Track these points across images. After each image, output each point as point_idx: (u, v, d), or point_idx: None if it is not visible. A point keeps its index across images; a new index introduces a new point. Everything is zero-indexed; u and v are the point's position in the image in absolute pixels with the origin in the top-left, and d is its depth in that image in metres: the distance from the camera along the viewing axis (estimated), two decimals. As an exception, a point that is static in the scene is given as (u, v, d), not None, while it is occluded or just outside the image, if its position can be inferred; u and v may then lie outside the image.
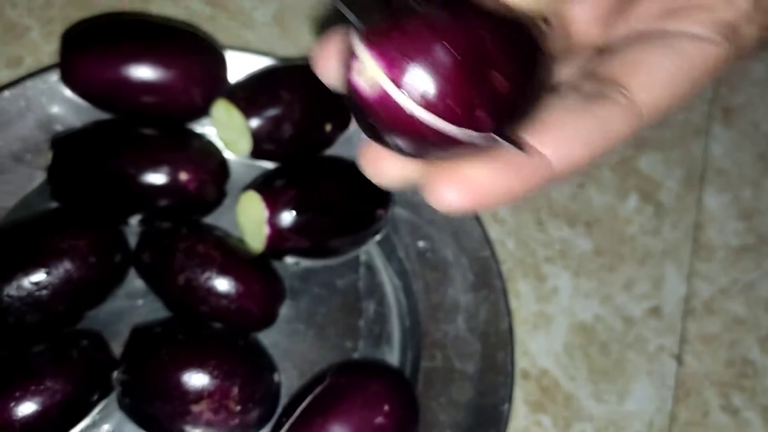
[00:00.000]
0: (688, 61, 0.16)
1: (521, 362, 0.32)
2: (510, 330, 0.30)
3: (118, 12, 0.35)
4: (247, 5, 0.37)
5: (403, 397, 0.27)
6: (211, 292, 0.27)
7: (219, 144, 0.30)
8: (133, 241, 0.29)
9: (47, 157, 0.28)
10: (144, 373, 0.26)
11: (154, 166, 0.27)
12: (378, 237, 0.31)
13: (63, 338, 0.27)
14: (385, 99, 0.13)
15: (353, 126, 0.32)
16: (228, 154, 0.30)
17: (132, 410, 0.26)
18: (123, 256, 0.28)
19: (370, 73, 0.13)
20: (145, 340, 0.27)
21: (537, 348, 0.33)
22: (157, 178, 0.27)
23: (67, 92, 0.29)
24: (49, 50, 0.34)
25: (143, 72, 0.28)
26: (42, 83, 0.30)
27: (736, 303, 0.36)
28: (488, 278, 0.31)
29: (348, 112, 0.32)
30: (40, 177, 0.30)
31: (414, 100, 0.13)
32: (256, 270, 0.28)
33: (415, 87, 0.13)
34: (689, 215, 0.37)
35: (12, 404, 0.25)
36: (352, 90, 0.13)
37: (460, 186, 0.14)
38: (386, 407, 0.26)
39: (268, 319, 0.29)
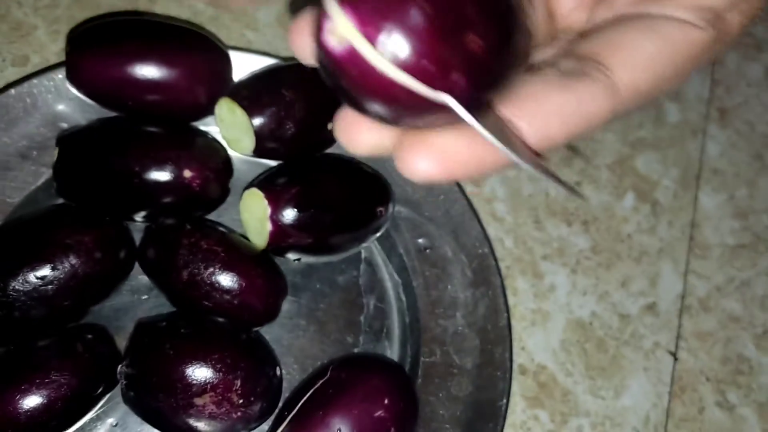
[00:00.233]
0: (671, 44, 0.16)
1: (519, 358, 0.33)
2: (508, 326, 0.30)
3: (122, 11, 0.35)
4: (250, 6, 0.37)
5: (402, 392, 0.27)
6: (215, 287, 0.27)
7: (222, 142, 0.30)
8: (137, 237, 0.29)
9: (53, 154, 0.28)
10: (148, 367, 0.26)
11: (158, 163, 0.27)
12: (378, 234, 0.31)
13: (68, 332, 0.27)
14: (358, 58, 0.12)
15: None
16: (231, 152, 0.30)
17: (136, 403, 0.27)
18: (128, 252, 0.29)
19: (342, 31, 0.12)
20: (149, 335, 0.27)
21: (534, 344, 0.33)
22: (161, 175, 0.27)
23: (73, 90, 0.29)
24: (55, 49, 0.34)
25: (148, 71, 0.28)
26: (48, 81, 0.30)
27: (731, 300, 0.36)
28: (487, 275, 0.31)
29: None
30: (46, 174, 0.30)
31: (388, 59, 0.12)
32: (259, 266, 0.28)
33: (390, 45, 0.12)
34: (685, 214, 0.38)
35: (18, 397, 0.25)
36: (323, 50, 0.13)
37: (432, 155, 0.14)
38: (386, 401, 0.26)
39: (270, 314, 0.29)
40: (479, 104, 0.13)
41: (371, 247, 0.32)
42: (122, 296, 0.30)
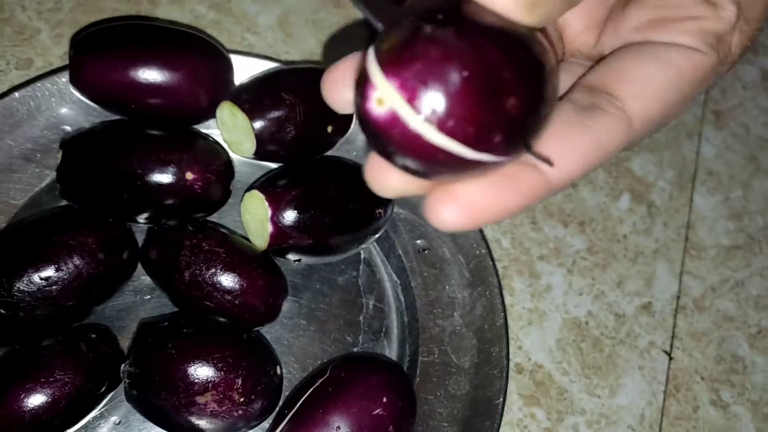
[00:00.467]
0: (677, 71, 0.16)
1: (516, 357, 0.33)
2: (505, 326, 0.30)
3: (125, 16, 0.36)
4: (251, 10, 0.38)
5: (401, 390, 0.27)
6: (216, 287, 0.28)
7: (224, 145, 0.31)
8: (140, 238, 0.30)
9: (57, 156, 0.29)
10: (151, 366, 0.26)
11: (160, 166, 0.28)
12: (377, 235, 0.31)
13: (72, 332, 0.27)
14: (400, 123, 0.13)
15: (354, 127, 0.32)
16: (233, 155, 0.30)
17: (139, 402, 0.27)
18: (131, 253, 0.29)
19: (384, 96, 0.13)
20: (151, 334, 0.27)
21: (531, 343, 0.34)
22: (163, 177, 0.28)
23: (76, 94, 0.30)
24: (58, 52, 0.35)
25: (150, 75, 0.28)
26: (51, 85, 0.31)
27: (725, 301, 0.36)
28: (484, 275, 0.31)
29: (348, 115, 0.33)
30: (49, 176, 0.30)
31: (430, 124, 0.13)
32: (260, 267, 0.29)
33: (432, 110, 0.13)
34: (681, 215, 0.38)
35: (23, 396, 0.25)
36: (365, 113, 0.13)
37: (457, 204, 0.15)
38: (385, 399, 0.26)
39: (270, 314, 0.29)
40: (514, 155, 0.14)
41: (370, 248, 0.33)
42: (125, 296, 0.30)
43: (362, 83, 0.13)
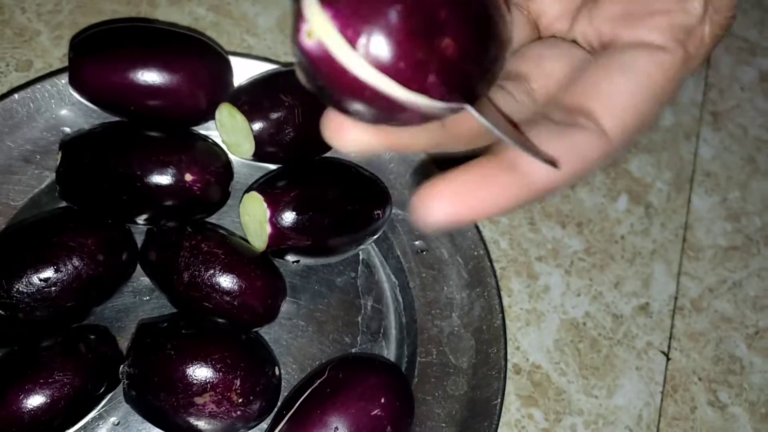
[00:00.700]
0: (646, 77, 0.17)
1: (513, 358, 0.33)
2: (503, 326, 0.30)
3: (125, 18, 0.36)
4: (250, 11, 0.38)
5: (399, 391, 0.27)
6: (215, 288, 0.28)
7: (223, 146, 0.31)
8: (139, 239, 0.30)
9: (56, 158, 0.29)
10: (149, 367, 0.26)
11: (160, 167, 0.28)
12: (376, 236, 0.32)
13: (71, 333, 0.27)
14: (334, 59, 0.12)
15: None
16: (231, 156, 0.31)
17: (138, 403, 0.27)
18: (130, 254, 0.29)
19: (320, 32, 0.12)
20: (150, 335, 0.27)
21: (529, 344, 0.34)
22: (163, 179, 0.28)
23: (76, 95, 0.30)
24: (58, 54, 0.35)
25: (149, 76, 0.28)
26: (51, 86, 0.31)
27: (723, 301, 0.36)
28: (482, 276, 0.31)
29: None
30: (49, 177, 0.30)
31: (365, 60, 0.12)
32: (258, 268, 0.29)
33: (367, 47, 0.12)
34: (678, 216, 0.38)
35: (22, 396, 0.25)
36: (301, 51, 0.13)
37: (447, 200, 0.15)
38: (383, 400, 0.26)
39: (269, 315, 0.29)
40: (455, 101, 0.13)
41: (369, 249, 0.33)
42: (124, 297, 0.30)
43: (296, 17, 0.13)
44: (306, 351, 0.31)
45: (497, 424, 0.29)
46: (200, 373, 0.26)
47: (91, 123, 0.31)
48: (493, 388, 0.29)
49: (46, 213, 0.29)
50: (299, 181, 0.29)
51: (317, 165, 0.31)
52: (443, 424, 0.30)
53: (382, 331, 0.32)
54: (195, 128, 0.31)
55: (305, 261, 0.31)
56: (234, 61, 0.31)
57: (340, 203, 0.30)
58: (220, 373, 0.26)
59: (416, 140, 0.16)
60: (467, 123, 0.16)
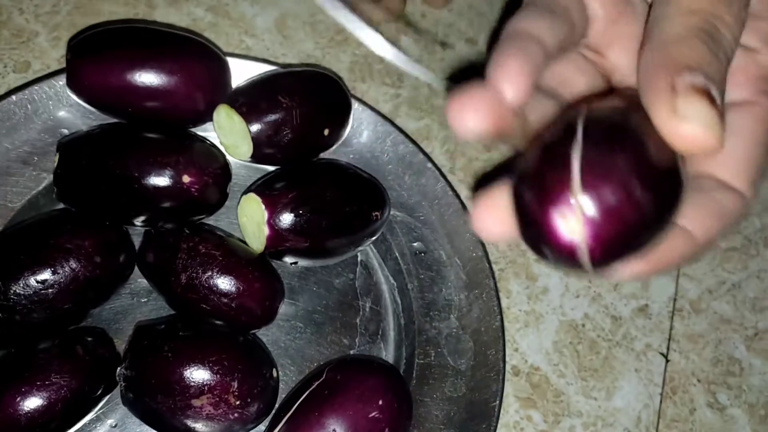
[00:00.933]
0: (752, 134, 0.18)
1: (512, 359, 0.33)
2: (501, 328, 0.30)
3: (122, 19, 0.36)
4: (248, 12, 0.38)
5: (397, 393, 0.27)
6: (213, 290, 0.28)
7: (221, 148, 0.31)
8: (137, 241, 0.30)
9: (54, 159, 0.29)
10: (147, 369, 0.26)
11: (157, 168, 0.28)
12: (374, 238, 0.32)
13: (68, 335, 0.27)
14: (573, 250, 0.14)
15: (350, 130, 0.33)
16: (229, 158, 0.31)
17: (135, 405, 0.27)
18: (127, 256, 0.29)
19: (575, 227, 0.14)
20: (148, 337, 0.27)
21: (527, 346, 0.34)
22: (160, 180, 0.28)
23: (74, 97, 0.30)
24: (55, 55, 0.35)
25: (147, 78, 0.28)
26: (49, 88, 0.31)
27: (722, 303, 0.36)
28: (480, 278, 0.31)
29: (344, 118, 0.33)
30: (46, 179, 0.30)
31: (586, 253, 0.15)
32: (256, 269, 0.29)
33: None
34: (677, 217, 0.38)
35: (18, 399, 0.25)
36: (547, 230, 0.14)
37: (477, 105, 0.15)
38: (381, 402, 0.26)
39: (267, 316, 0.29)
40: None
41: (367, 251, 0.33)
42: (122, 299, 0.30)
43: (553, 195, 0.14)
44: (304, 353, 0.31)
45: (496, 426, 0.29)
46: (198, 375, 0.26)
47: (89, 124, 0.31)
48: (492, 390, 0.29)
49: (43, 215, 0.29)
50: (297, 183, 0.29)
51: (315, 166, 0.31)
52: (441, 426, 0.29)
53: (380, 332, 0.32)
54: (193, 130, 0.31)
55: (303, 262, 0.31)
56: (232, 62, 0.31)
57: (338, 205, 0.29)
58: (218, 375, 0.26)
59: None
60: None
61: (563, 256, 0.15)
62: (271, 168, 0.32)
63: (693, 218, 0.17)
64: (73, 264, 0.27)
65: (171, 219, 0.29)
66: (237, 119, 0.29)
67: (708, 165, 0.18)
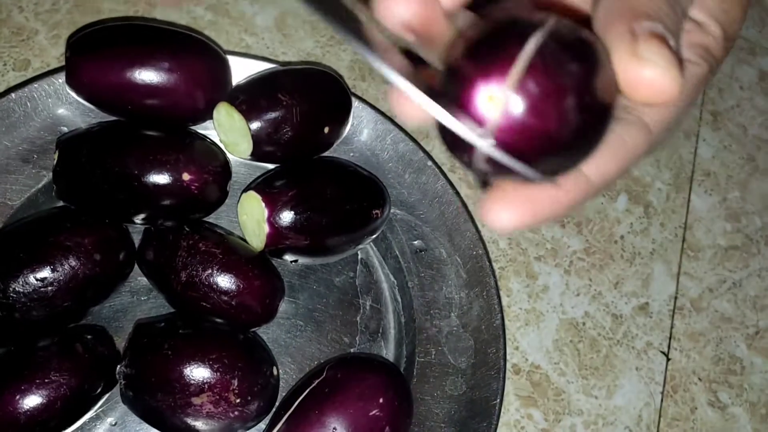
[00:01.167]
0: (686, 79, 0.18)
1: (513, 358, 0.33)
2: (502, 326, 0.30)
3: (122, 17, 0.36)
4: (248, 11, 0.38)
5: (398, 391, 0.27)
6: (213, 288, 0.28)
7: (221, 146, 0.31)
8: (137, 239, 0.30)
9: (53, 157, 0.29)
10: (146, 367, 0.26)
11: (157, 166, 0.28)
12: (374, 236, 0.31)
13: (68, 333, 0.27)
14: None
15: (350, 128, 0.33)
16: (229, 156, 0.30)
17: (134, 403, 0.27)
18: (127, 254, 0.29)
19: (494, 111, 0.14)
20: (147, 335, 0.27)
21: (528, 344, 0.33)
22: (160, 178, 0.28)
23: (73, 95, 0.30)
24: (55, 53, 0.35)
25: (147, 75, 0.28)
26: (48, 86, 0.31)
27: (723, 301, 0.36)
28: (481, 276, 0.31)
29: (344, 115, 0.33)
30: (46, 177, 0.30)
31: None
32: (256, 267, 0.29)
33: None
34: (678, 216, 0.38)
35: (18, 397, 0.25)
36: (471, 96, 0.14)
37: (513, 207, 0.16)
38: (381, 400, 0.26)
39: (267, 314, 0.29)
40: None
41: (367, 249, 0.33)
42: (121, 297, 0.30)
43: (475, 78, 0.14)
44: (304, 351, 0.31)
45: (497, 425, 0.29)
46: (198, 373, 0.26)
47: (89, 122, 0.31)
48: (492, 388, 0.29)
49: (43, 212, 0.29)
50: (297, 181, 0.29)
51: (315, 164, 0.31)
52: (442, 425, 0.29)
53: (380, 330, 0.32)
54: (193, 127, 0.31)
55: (303, 260, 0.31)
56: (232, 60, 0.31)
57: (338, 203, 0.29)
58: (218, 373, 0.26)
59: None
60: None
61: (465, 136, 0.14)
62: (271, 166, 0.32)
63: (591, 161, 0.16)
64: (73, 262, 0.27)
65: (171, 217, 0.29)
66: (237, 117, 0.29)
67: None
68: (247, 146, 0.30)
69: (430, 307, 0.32)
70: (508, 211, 0.16)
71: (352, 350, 0.31)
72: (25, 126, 0.31)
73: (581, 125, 0.15)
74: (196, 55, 0.30)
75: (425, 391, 0.30)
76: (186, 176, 0.28)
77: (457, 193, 0.32)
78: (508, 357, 0.31)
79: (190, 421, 0.26)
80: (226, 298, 0.28)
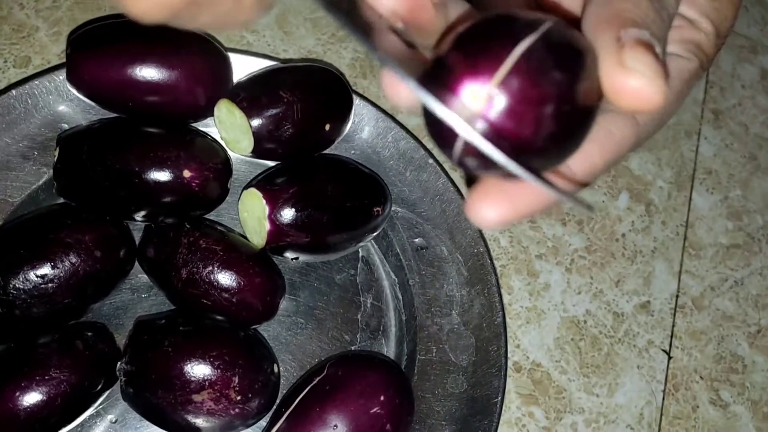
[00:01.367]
0: (676, 74, 0.18)
1: (514, 356, 0.33)
2: (503, 324, 0.30)
3: (123, 14, 0.36)
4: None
5: (398, 388, 0.27)
6: (213, 285, 0.28)
7: (222, 143, 0.31)
8: (137, 236, 0.30)
9: (54, 154, 0.28)
10: (147, 364, 0.26)
11: (158, 163, 0.28)
12: (375, 234, 0.31)
13: (68, 330, 0.27)
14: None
15: (351, 126, 0.32)
16: (230, 153, 0.30)
17: (135, 400, 0.27)
18: (127, 251, 0.29)
19: (477, 102, 0.14)
20: (148, 332, 0.27)
21: (529, 342, 0.33)
22: (161, 175, 0.28)
23: (74, 91, 0.30)
24: (56, 50, 0.35)
25: (148, 72, 0.28)
26: (49, 82, 0.31)
27: (725, 300, 0.36)
28: (482, 274, 0.31)
29: (345, 113, 0.33)
30: (46, 173, 0.30)
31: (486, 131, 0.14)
32: (257, 265, 0.29)
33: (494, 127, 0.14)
34: (679, 214, 0.38)
35: (18, 394, 0.25)
36: (459, 84, 0.14)
37: (498, 204, 0.16)
38: (382, 398, 0.26)
39: (268, 312, 0.29)
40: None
41: (368, 247, 0.33)
42: (122, 294, 0.30)
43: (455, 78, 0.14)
44: (305, 348, 0.31)
45: (497, 423, 0.29)
46: (198, 370, 0.26)
47: (89, 119, 0.31)
48: (494, 386, 0.29)
49: (43, 209, 0.29)
50: (298, 178, 0.29)
51: (316, 162, 0.31)
52: (443, 422, 0.29)
53: (381, 328, 0.32)
54: (194, 124, 0.31)
55: (304, 258, 0.31)
56: (233, 57, 0.31)
57: (339, 200, 0.29)
58: (219, 371, 0.26)
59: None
60: None
61: (449, 120, 0.14)
62: (272, 163, 0.32)
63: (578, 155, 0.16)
64: (73, 258, 0.27)
65: (171, 214, 0.29)
66: (238, 114, 0.29)
67: None
68: (248, 143, 0.30)
69: (431, 304, 0.31)
70: (490, 207, 0.16)
71: (352, 348, 0.31)
72: (26, 123, 0.31)
73: (558, 132, 0.15)
74: (197, 52, 0.30)
75: (426, 389, 0.30)
76: (187, 173, 0.28)
77: (458, 191, 0.32)
78: (509, 355, 0.31)
79: (190, 418, 0.26)
80: (226, 296, 0.28)
